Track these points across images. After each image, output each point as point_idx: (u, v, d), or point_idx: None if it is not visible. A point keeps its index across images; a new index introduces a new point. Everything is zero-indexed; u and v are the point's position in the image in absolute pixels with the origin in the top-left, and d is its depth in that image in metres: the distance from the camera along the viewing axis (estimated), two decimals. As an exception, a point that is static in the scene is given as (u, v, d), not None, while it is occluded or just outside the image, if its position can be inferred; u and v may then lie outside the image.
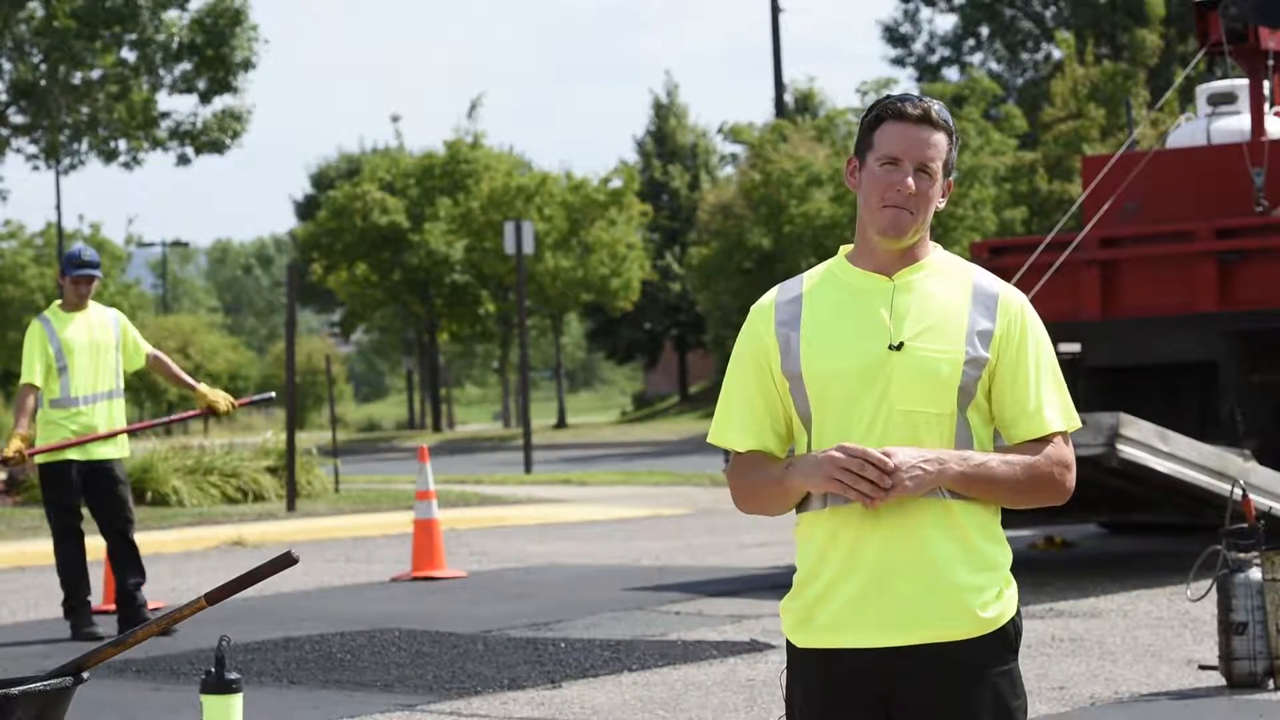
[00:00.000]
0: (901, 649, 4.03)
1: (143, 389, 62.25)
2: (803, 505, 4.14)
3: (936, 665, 4.04)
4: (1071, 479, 4.13)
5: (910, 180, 4.07)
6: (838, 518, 4.07)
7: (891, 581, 4.03)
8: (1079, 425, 4.17)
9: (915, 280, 4.12)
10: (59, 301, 12.33)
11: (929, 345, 4.05)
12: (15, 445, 11.86)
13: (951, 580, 4.03)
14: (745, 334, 4.20)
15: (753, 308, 4.23)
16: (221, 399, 12.42)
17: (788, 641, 4.20)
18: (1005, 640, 4.09)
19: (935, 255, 4.17)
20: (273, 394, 13.97)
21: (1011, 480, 4.05)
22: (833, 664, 4.09)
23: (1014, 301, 4.13)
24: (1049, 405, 4.11)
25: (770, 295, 4.22)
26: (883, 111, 4.13)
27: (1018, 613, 4.13)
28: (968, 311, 4.09)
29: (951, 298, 4.10)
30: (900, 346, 4.05)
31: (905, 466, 3.96)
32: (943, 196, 4.14)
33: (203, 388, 12.44)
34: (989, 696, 4.05)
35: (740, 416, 4.18)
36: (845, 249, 4.21)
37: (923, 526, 4.03)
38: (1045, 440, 4.10)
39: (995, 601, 4.07)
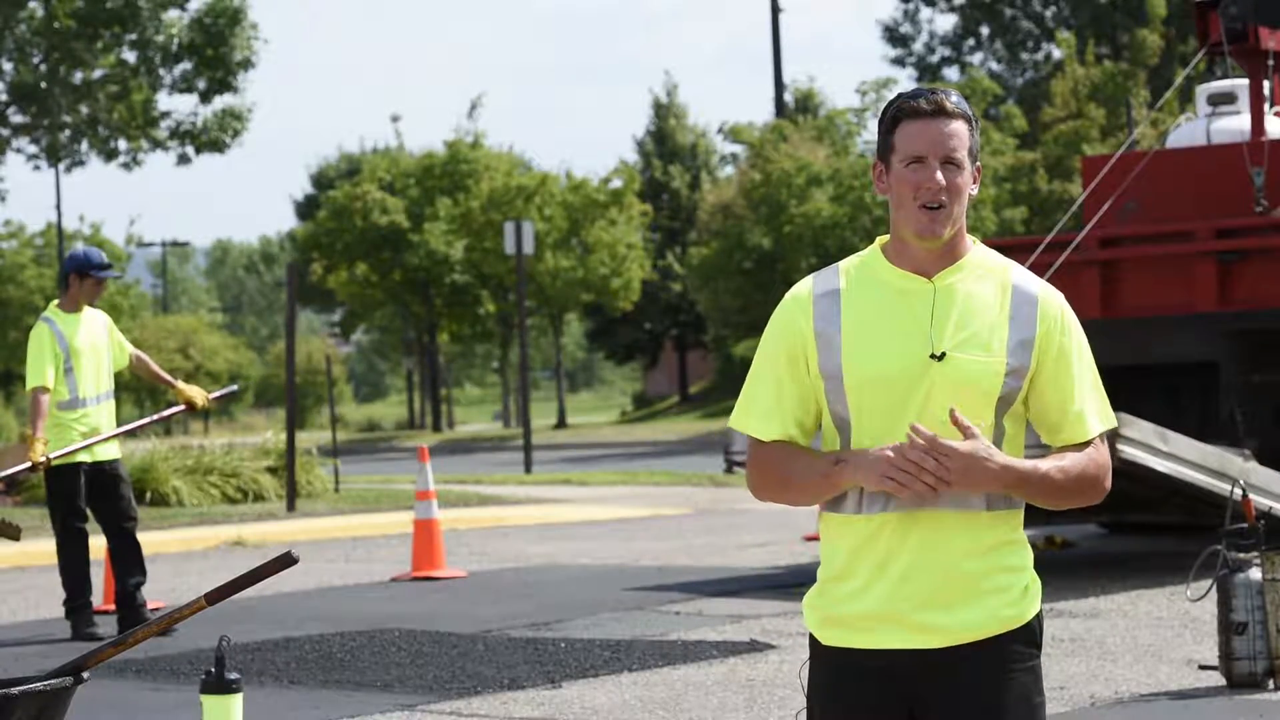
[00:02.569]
0: (930, 650, 4.05)
1: (143, 389, 62.27)
2: (832, 505, 4.12)
3: (962, 662, 4.05)
4: (1109, 480, 4.15)
5: (939, 175, 4.03)
6: (872, 524, 4.06)
7: (920, 587, 4.04)
8: (1115, 424, 4.17)
9: (955, 282, 4.08)
10: (56, 302, 12.33)
11: (971, 355, 4.03)
12: (40, 450, 11.85)
13: (978, 586, 4.05)
14: (780, 323, 4.15)
15: (788, 296, 4.17)
16: (197, 395, 12.54)
17: (811, 637, 4.20)
18: (1030, 636, 4.11)
19: (974, 253, 4.13)
20: (235, 386, 14.15)
21: (1063, 486, 4.06)
22: (858, 663, 4.10)
23: (1053, 304, 4.10)
24: (1090, 409, 4.11)
25: (806, 286, 4.16)
26: (898, 112, 4.08)
27: (1040, 609, 4.15)
28: (1008, 318, 4.06)
29: (991, 302, 4.07)
30: (942, 357, 4.02)
31: (970, 464, 3.94)
32: (974, 183, 4.11)
33: (180, 384, 12.57)
34: (1014, 692, 4.07)
35: (767, 405, 4.14)
36: (881, 240, 4.16)
37: (953, 535, 4.03)
38: (1087, 443, 4.10)
39: (1020, 600, 4.09)
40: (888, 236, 4.17)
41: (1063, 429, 4.11)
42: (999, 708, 4.05)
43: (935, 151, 4.05)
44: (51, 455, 11.87)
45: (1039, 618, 4.13)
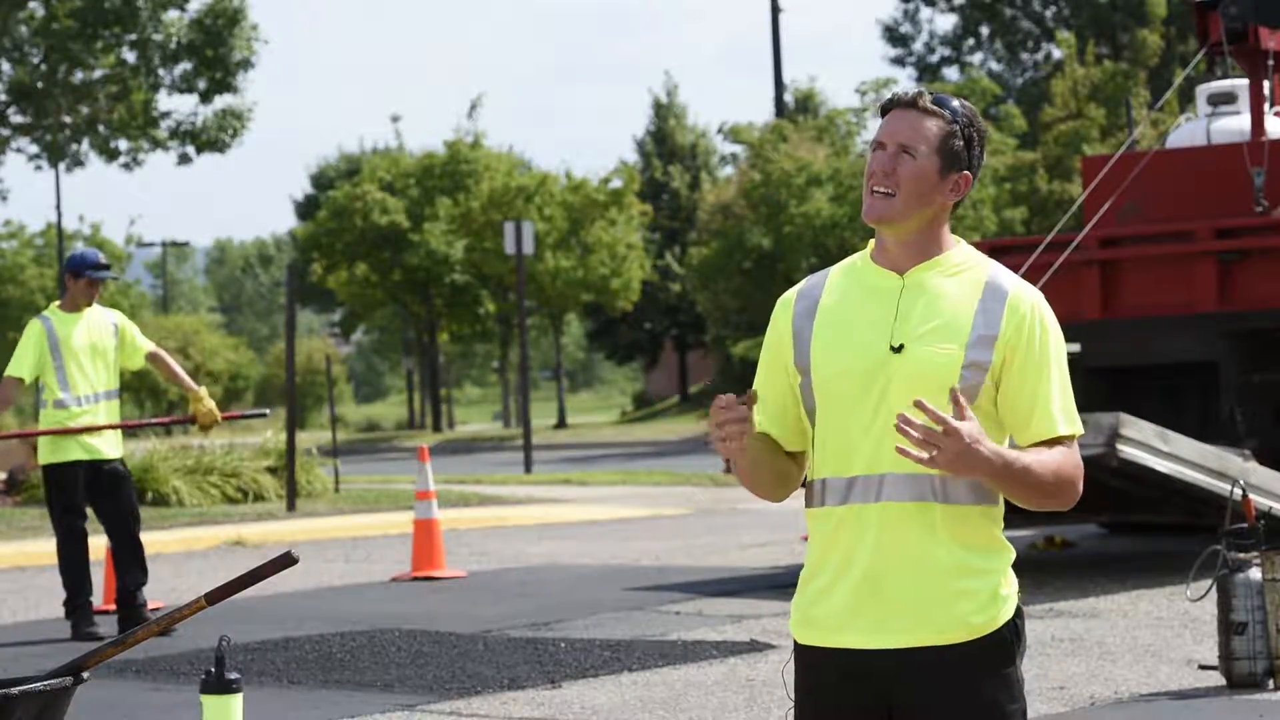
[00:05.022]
0: (896, 651, 4.03)
1: (142, 389, 62.26)
2: (808, 502, 4.15)
3: (931, 667, 4.03)
4: (1081, 485, 4.10)
5: (885, 159, 4.06)
6: (834, 518, 4.08)
7: (882, 584, 4.03)
8: (1082, 431, 4.13)
9: (927, 278, 4.08)
10: (58, 302, 12.34)
11: (929, 347, 4.02)
12: None
13: (940, 586, 4.02)
14: (770, 326, 4.23)
15: (779, 299, 4.24)
16: (206, 413, 12.28)
17: (793, 637, 4.22)
18: (1002, 643, 4.06)
19: (954, 251, 4.12)
20: (266, 411, 14.03)
21: (1040, 483, 4.00)
22: (833, 662, 4.10)
23: (1025, 300, 4.07)
24: (1062, 408, 4.07)
25: (796, 288, 4.23)
26: (881, 108, 4.16)
27: (1018, 614, 4.10)
28: (974, 312, 4.04)
29: (961, 297, 4.06)
30: (900, 349, 4.03)
31: (969, 437, 3.86)
32: (952, 191, 4.08)
33: (201, 392, 12.40)
34: (984, 699, 4.04)
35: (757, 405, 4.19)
36: (873, 243, 4.19)
37: (912, 531, 4.02)
38: (1056, 442, 4.06)
39: (988, 606, 4.04)
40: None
41: (1030, 425, 4.06)
42: (968, 714, 4.03)
43: (893, 137, 4.08)
44: (39, 459, 11.90)
45: (1014, 624, 4.08)
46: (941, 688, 4.03)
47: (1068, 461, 4.05)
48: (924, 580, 4.02)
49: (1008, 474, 3.94)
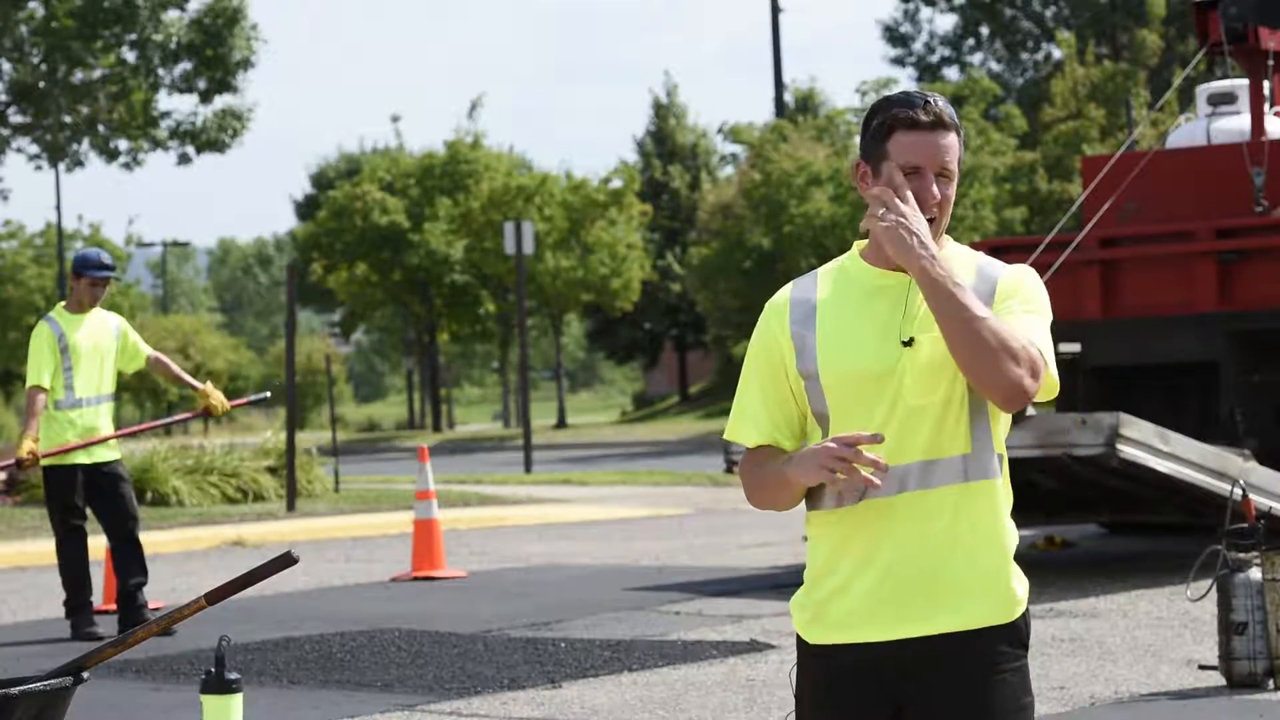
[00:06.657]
0: (916, 641, 4.03)
1: (143, 389, 62.24)
2: (813, 503, 4.14)
3: (950, 659, 4.04)
4: (1031, 386, 3.95)
5: (935, 189, 4.06)
6: (852, 517, 4.07)
7: (906, 575, 4.03)
8: (1056, 385, 4.06)
9: None
10: (63, 303, 12.35)
11: (935, 334, 4.03)
12: (27, 447, 11.87)
13: (966, 571, 4.03)
14: (759, 331, 4.19)
15: (768, 304, 4.21)
16: (216, 400, 12.53)
17: (798, 638, 4.20)
18: (1017, 635, 4.09)
19: (947, 249, 4.15)
20: (268, 393, 14.09)
21: (976, 325, 3.90)
22: (845, 660, 4.09)
23: (1013, 276, 4.10)
24: (1042, 346, 3.98)
25: (785, 292, 4.20)
26: (894, 120, 4.07)
27: (1027, 608, 4.14)
28: (970, 288, 4.06)
29: None
30: (911, 342, 4.04)
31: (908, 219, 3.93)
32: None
33: (205, 386, 12.54)
34: (1002, 691, 4.06)
35: (752, 413, 4.17)
36: (860, 244, 4.18)
37: (937, 519, 4.02)
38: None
39: (1006, 598, 4.07)
40: (865, 241, 4.18)
41: None
42: (987, 709, 4.04)
43: (933, 164, 4.07)
44: (41, 453, 11.90)
45: (1025, 617, 4.12)
46: (961, 678, 4.03)
47: (1024, 344, 3.94)
48: (949, 567, 4.03)
49: (933, 283, 3.91)
